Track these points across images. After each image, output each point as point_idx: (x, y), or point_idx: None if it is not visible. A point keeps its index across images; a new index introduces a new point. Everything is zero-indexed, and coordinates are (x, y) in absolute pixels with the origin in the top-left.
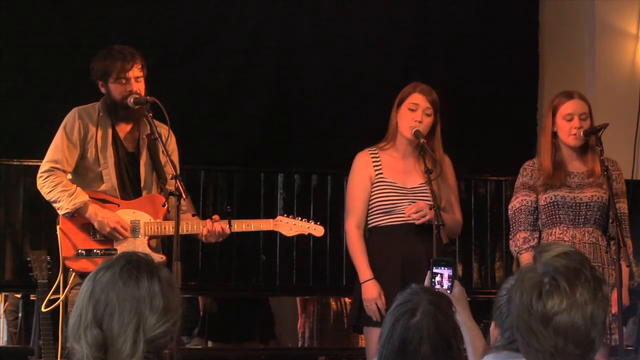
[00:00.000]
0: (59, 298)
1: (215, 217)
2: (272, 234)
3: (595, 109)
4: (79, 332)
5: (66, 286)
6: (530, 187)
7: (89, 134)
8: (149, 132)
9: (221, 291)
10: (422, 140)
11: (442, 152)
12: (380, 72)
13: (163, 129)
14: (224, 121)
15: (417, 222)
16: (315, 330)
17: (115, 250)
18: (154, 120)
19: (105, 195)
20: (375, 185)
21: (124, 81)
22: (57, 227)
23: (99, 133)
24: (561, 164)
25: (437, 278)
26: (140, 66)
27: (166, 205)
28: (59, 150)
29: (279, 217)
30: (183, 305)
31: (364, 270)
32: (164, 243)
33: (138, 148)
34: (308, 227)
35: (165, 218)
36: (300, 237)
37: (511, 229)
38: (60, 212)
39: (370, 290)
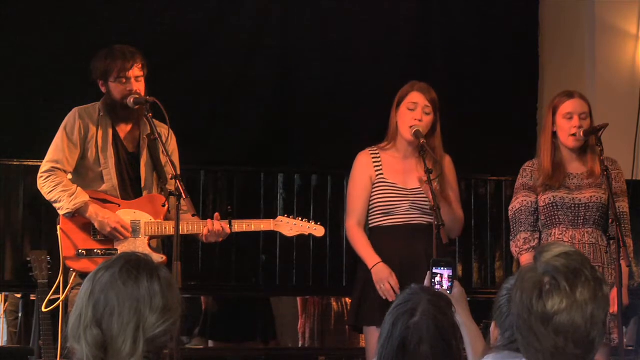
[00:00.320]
0: (59, 298)
1: (217, 215)
2: (272, 234)
3: (595, 109)
4: (78, 332)
5: (66, 286)
6: (530, 188)
7: (90, 133)
8: (149, 132)
9: (221, 291)
10: (422, 141)
11: (442, 150)
12: (380, 73)
13: (163, 129)
14: (224, 121)
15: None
16: (315, 330)
17: (116, 250)
18: (154, 120)
19: (105, 196)
20: (375, 185)
21: (124, 80)
22: (58, 227)
23: (100, 133)
24: (560, 164)
25: (437, 278)
26: (140, 66)
27: (166, 206)
28: (59, 150)
29: (279, 217)
30: (183, 304)
31: (370, 256)
32: (164, 243)
33: (138, 148)
34: (309, 228)
35: (166, 218)
36: (300, 237)
37: (512, 230)
38: (60, 212)
39: (381, 272)
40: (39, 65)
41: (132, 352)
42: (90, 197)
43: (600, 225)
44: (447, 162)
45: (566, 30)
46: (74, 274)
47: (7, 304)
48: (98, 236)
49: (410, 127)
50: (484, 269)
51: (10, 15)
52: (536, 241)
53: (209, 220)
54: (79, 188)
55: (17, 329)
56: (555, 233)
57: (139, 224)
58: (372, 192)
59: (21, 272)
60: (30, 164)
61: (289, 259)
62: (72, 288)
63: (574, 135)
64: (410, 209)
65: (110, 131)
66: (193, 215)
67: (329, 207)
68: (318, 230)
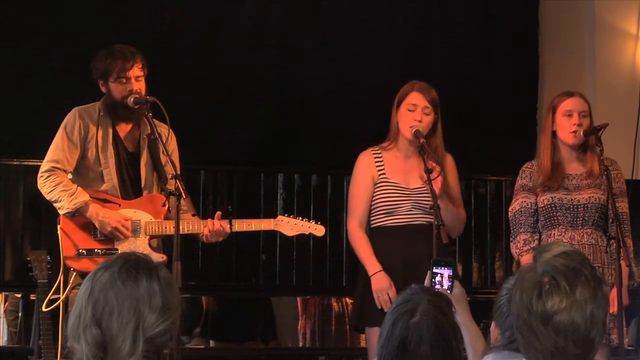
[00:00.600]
0: (59, 298)
1: (218, 214)
2: (272, 234)
3: (595, 109)
4: (78, 332)
5: (67, 286)
6: (529, 189)
7: (90, 133)
8: (149, 131)
9: (221, 291)
10: (422, 140)
11: (443, 149)
12: (380, 73)
13: (163, 129)
14: (224, 121)
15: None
16: (315, 330)
17: (116, 249)
18: (154, 120)
19: (106, 195)
20: (377, 185)
21: (124, 80)
22: (58, 226)
23: (100, 133)
24: (560, 164)
25: (437, 278)
26: (140, 65)
27: (166, 205)
28: (59, 150)
29: (279, 217)
30: (182, 304)
31: (371, 262)
32: (164, 243)
33: (138, 148)
34: (309, 227)
35: (166, 218)
36: (300, 237)
37: (511, 232)
38: (61, 212)
39: (381, 281)
40: (39, 65)
41: (132, 352)
42: (91, 197)
43: (599, 226)
44: (449, 161)
45: (566, 30)
46: (74, 273)
47: (7, 303)
48: (98, 235)
49: (410, 127)
50: (484, 268)
51: (10, 15)
52: (536, 242)
53: (209, 219)
54: (79, 188)
55: (17, 329)
56: (554, 234)
57: (139, 224)
58: (375, 192)
59: (21, 272)
60: (30, 163)
61: (289, 258)
62: (73, 288)
63: (574, 132)
64: (412, 209)
65: (110, 131)
66: (193, 215)
67: (329, 207)
68: (318, 230)
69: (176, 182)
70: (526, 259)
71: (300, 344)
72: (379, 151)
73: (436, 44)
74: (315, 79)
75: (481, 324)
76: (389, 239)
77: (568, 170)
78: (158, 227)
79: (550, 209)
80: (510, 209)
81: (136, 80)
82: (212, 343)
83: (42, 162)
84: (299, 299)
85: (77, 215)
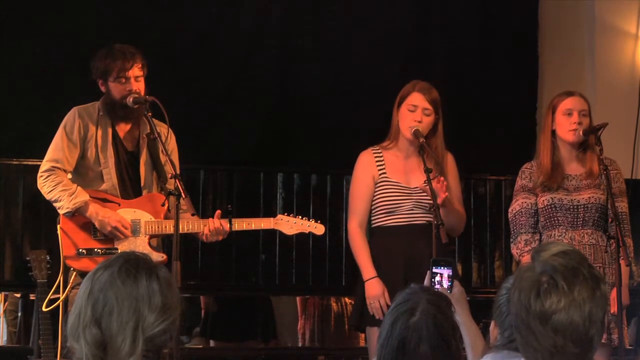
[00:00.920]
0: (59, 297)
1: (218, 212)
2: (271, 234)
3: (595, 108)
4: (78, 331)
5: (67, 286)
6: (529, 190)
7: (89, 133)
8: (148, 131)
9: (221, 291)
10: (421, 140)
11: (444, 150)
12: (380, 73)
13: (163, 128)
14: (224, 121)
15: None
16: (315, 329)
17: (116, 249)
18: (154, 119)
19: (105, 195)
20: (378, 184)
21: (123, 80)
22: (58, 226)
23: (99, 132)
24: (559, 164)
25: (437, 278)
26: (140, 65)
27: (166, 205)
28: (59, 149)
29: (279, 216)
30: (182, 304)
31: (367, 268)
32: (164, 242)
33: (138, 147)
34: (308, 226)
35: (166, 217)
36: (299, 236)
37: (512, 232)
38: (60, 212)
39: (374, 288)
40: (39, 65)
41: (131, 351)
42: (91, 197)
43: (599, 226)
44: (449, 161)
45: (566, 30)
46: (74, 273)
47: (6, 303)
48: (98, 235)
49: (410, 127)
50: (484, 268)
51: (10, 15)
52: (537, 242)
53: (209, 219)
54: (78, 187)
55: (16, 329)
56: (554, 235)
57: (139, 223)
58: (375, 192)
59: (21, 271)
60: (30, 163)
61: (289, 258)
62: (72, 287)
63: (573, 130)
64: (413, 208)
65: (110, 130)
66: (192, 215)
67: (329, 207)
68: (318, 229)
69: (175, 181)
70: (527, 259)
71: (300, 344)
72: (379, 151)
73: (436, 44)
74: (315, 79)
75: (481, 323)
76: (390, 239)
77: (568, 171)
78: (158, 227)
79: (550, 210)
80: (510, 210)
81: (135, 80)
82: (211, 343)
83: (42, 161)
84: (298, 298)
85: (77, 215)
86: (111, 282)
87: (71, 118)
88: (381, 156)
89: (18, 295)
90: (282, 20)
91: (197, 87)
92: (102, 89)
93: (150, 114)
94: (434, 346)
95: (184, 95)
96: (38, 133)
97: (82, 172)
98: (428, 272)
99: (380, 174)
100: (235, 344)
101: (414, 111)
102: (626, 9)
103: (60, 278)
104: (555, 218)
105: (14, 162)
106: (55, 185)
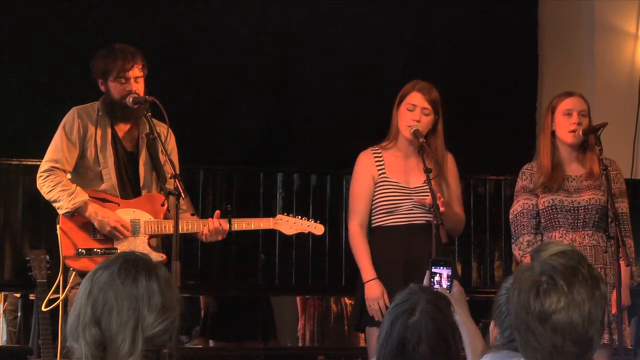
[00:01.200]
0: (59, 297)
1: (217, 212)
2: (271, 234)
3: (595, 108)
4: (77, 331)
5: (66, 286)
6: (530, 191)
7: (89, 133)
8: (148, 131)
9: (221, 290)
10: (421, 140)
11: (444, 150)
12: (380, 72)
13: (162, 128)
14: (224, 121)
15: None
16: (314, 329)
17: (116, 249)
18: (154, 119)
19: (105, 195)
20: (378, 184)
21: (123, 80)
22: (57, 226)
23: (99, 132)
24: (559, 165)
25: (436, 278)
26: (140, 66)
27: (165, 205)
28: (58, 149)
29: (279, 216)
30: (182, 304)
31: (367, 269)
32: (163, 242)
33: (137, 147)
34: (308, 226)
35: (165, 217)
36: (299, 236)
37: (513, 233)
38: (60, 212)
39: (374, 290)
40: (39, 65)
41: (131, 351)
42: (90, 197)
43: (600, 227)
44: (449, 161)
45: (566, 30)
46: (74, 273)
47: (6, 303)
48: (98, 235)
49: (409, 126)
50: (483, 268)
51: (10, 15)
52: (539, 243)
53: (209, 219)
54: (78, 187)
55: (16, 329)
56: (555, 236)
57: (139, 223)
58: (375, 192)
59: (20, 271)
60: (29, 163)
61: (289, 258)
62: (72, 287)
63: (573, 131)
64: (413, 208)
65: (109, 130)
66: (192, 215)
67: (328, 207)
68: (317, 229)
69: (175, 181)
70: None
71: (300, 344)
72: (379, 150)
73: (436, 44)
74: (315, 79)
75: (480, 323)
76: (389, 238)
77: (568, 172)
78: (157, 227)
79: (550, 211)
80: (511, 211)
81: (135, 80)
82: (211, 343)
83: (41, 162)
84: (298, 298)
85: (77, 215)
86: (111, 282)
87: (70, 118)
88: (381, 156)
89: (18, 295)
90: (282, 19)
91: (197, 87)
92: (102, 88)
93: (149, 114)
94: (433, 346)
95: (183, 95)
96: (38, 133)
97: (82, 172)
98: (427, 272)
99: (379, 174)
100: (235, 344)
101: (413, 110)
102: (626, 9)
103: (59, 278)
104: (556, 219)
105: (14, 162)
106: (55, 186)
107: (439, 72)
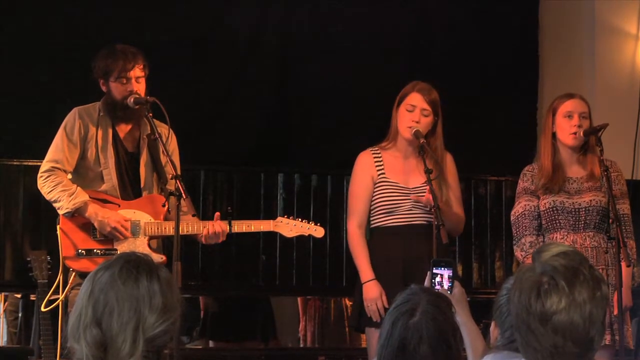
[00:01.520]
0: (58, 298)
1: (217, 214)
2: (272, 234)
3: (595, 109)
4: (78, 332)
5: (66, 286)
6: (532, 192)
7: (89, 133)
8: (149, 132)
9: (221, 291)
10: (422, 141)
11: (443, 151)
12: (380, 72)
13: (163, 129)
14: (224, 121)
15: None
16: (315, 330)
17: (116, 250)
18: (155, 120)
19: (105, 195)
20: (377, 185)
21: (124, 81)
22: (58, 227)
23: (100, 133)
24: (560, 166)
25: (437, 278)
26: (142, 66)
27: (166, 206)
28: (59, 150)
29: (279, 218)
30: (182, 304)
31: (365, 270)
32: (164, 243)
33: (138, 148)
34: (308, 228)
35: (166, 218)
36: (300, 237)
37: (515, 235)
38: (60, 212)
39: (372, 291)
40: (39, 65)
41: (132, 352)
42: (90, 197)
43: (601, 229)
44: (449, 161)
45: (566, 30)
46: (74, 273)
47: (7, 303)
48: (98, 236)
49: (409, 127)
50: (484, 268)
51: (10, 14)
52: (541, 244)
53: (209, 222)
54: (78, 188)
55: (17, 329)
56: (556, 237)
57: (139, 224)
58: (374, 192)
59: (21, 272)
60: (30, 164)
61: (289, 259)
62: (72, 288)
63: (574, 133)
64: (412, 208)
65: (110, 131)
66: (193, 216)
67: (329, 208)
68: (318, 231)
69: (176, 182)
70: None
71: (300, 344)
72: (378, 151)
73: (436, 44)
74: (315, 79)
75: (481, 324)
76: (389, 239)
77: (569, 174)
78: (157, 228)
79: (552, 213)
80: (513, 212)
81: (136, 81)
82: (212, 343)
83: (42, 162)
84: (299, 299)
85: (77, 216)
86: (112, 283)
87: (71, 118)
88: (380, 157)
89: (18, 295)
90: (282, 20)
91: (197, 88)
92: (103, 89)
93: (151, 114)
94: (434, 347)
95: (184, 95)
96: (38, 133)
97: (82, 173)
98: (428, 272)
99: (379, 175)
100: (235, 345)
101: (412, 111)
102: (626, 9)
103: (59, 278)
104: (557, 221)
105: (14, 162)
106: (55, 186)
107: (439, 72)
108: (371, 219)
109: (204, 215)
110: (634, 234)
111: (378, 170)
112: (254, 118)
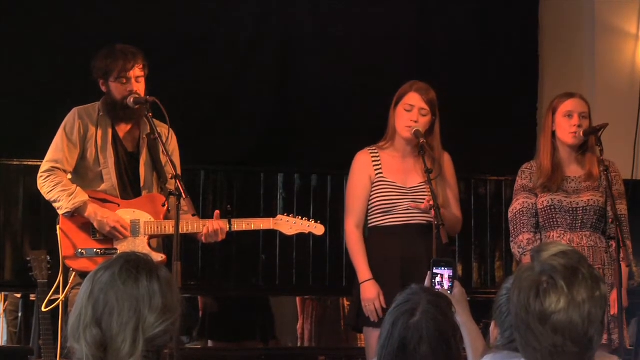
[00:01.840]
0: (59, 298)
1: (217, 213)
2: (271, 234)
3: (595, 109)
4: (78, 332)
5: (66, 286)
6: (530, 190)
7: (89, 133)
8: (148, 131)
9: (221, 291)
10: (422, 140)
11: (441, 150)
12: (380, 72)
13: (163, 129)
14: (224, 121)
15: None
16: (315, 330)
17: (116, 249)
18: (155, 120)
19: (105, 195)
20: (375, 184)
21: (124, 81)
22: (58, 227)
23: (99, 133)
24: (559, 166)
25: (438, 279)
26: (141, 66)
27: (166, 205)
28: (59, 150)
29: (279, 216)
30: (182, 304)
31: (363, 270)
32: (164, 243)
33: (138, 148)
34: (308, 226)
35: (166, 218)
36: (300, 237)
37: (512, 232)
38: (60, 212)
39: (369, 291)
40: (39, 65)
41: (132, 352)
42: (90, 197)
43: (598, 228)
44: (446, 160)
45: (566, 30)
46: (74, 273)
47: (7, 303)
48: (98, 235)
49: (407, 127)
50: (484, 268)
51: (10, 14)
52: (539, 242)
53: (209, 220)
54: (78, 188)
55: (17, 329)
56: (553, 235)
57: (139, 224)
58: (372, 192)
59: (21, 272)
60: (30, 164)
61: (289, 258)
62: (72, 288)
63: (573, 133)
64: (409, 208)
65: (110, 131)
66: (193, 216)
67: (329, 207)
68: (318, 229)
69: (176, 182)
70: (529, 259)
71: (300, 344)
72: (376, 151)
73: (436, 44)
74: (315, 79)
75: (481, 324)
76: (386, 238)
77: (567, 173)
78: (157, 227)
79: (549, 211)
80: (510, 209)
81: (136, 80)
82: (211, 343)
83: (42, 162)
84: (298, 299)
85: (76, 215)
86: (112, 283)
87: (71, 119)
88: (378, 156)
89: (18, 295)
90: (282, 20)
91: (197, 87)
92: (103, 89)
93: (151, 114)
94: (434, 347)
95: (184, 95)
96: (38, 133)
97: (82, 173)
98: (429, 272)
99: (376, 174)
100: (235, 345)
101: (411, 111)
102: (626, 9)
103: (60, 278)
104: (554, 219)
105: (14, 162)
106: (55, 186)
107: (439, 72)
108: (369, 218)
109: (204, 215)
110: (631, 234)
111: (376, 169)
112: (254, 118)
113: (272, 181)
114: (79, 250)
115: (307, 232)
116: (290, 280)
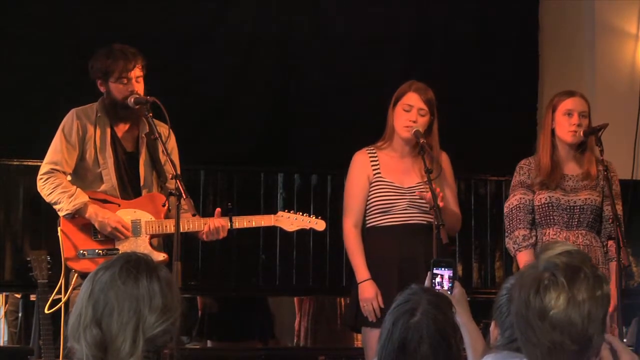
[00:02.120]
0: (61, 299)
1: (218, 210)
2: (271, 234)
3: (595, 109)
4: (78, 332)
5: (68, 287)
6: (527, 186)
7: (88, 134)
8: (147, 131)
9: (221, 291)
10: (422, 141)
11: (439, 150)
12: (380, 72)
13: (163, 128)
14: (224, 121)
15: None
16: (314, 330)
17: (117, 250)
18: (154, 119)
19: (105, 196)
20: (373, 184)
21: (125, 81)
22: (58, 228)
23: (98, 133)
24: (558, 164)
25: (438, 279)
26: (141, 66)
27: (166, 205)
28: (58, 151)
29: (280, 213)
30: (182, 304)
31: (361, 270)
32: (165, 242)
33: (137, 147)
34: (309, 222)
35: (167, 217)
36: (300, 237)
37: (508, 227)
38: (60, 214)
39: (367, 291)
40: (39, 65)
41: (132, 352)
42: (90, 198)
43: (593, 227)
44: (444, 159)
45: (566, 30)
46: (76, 274)
47: (7, 304)
48: (99, 236)
49: (408, 127)
50: (484, 269)
51: (10, 14)
52: (534, 239)
53: (209, 218)
54: (78, 189)
55: (17, 329)
56: (549, 233)
57: (140, 223)
58: (370, 191)
59: (21, 272)
60: (30, 164)
61: (289, 258)
62: (74, 289)
63: (573, 132)
64: (408, 208)
65: (109, 131)
66: (193, 215)
67: (329, 207)
68: (319, 224)
69: (176, 182)
70: (524, 254)
71: (300, 344)
72: (374, 151)
73: (436, 44)
74: (316, 79)
75: (481, 324)
76: (385, 238)
77: (565, 171)
78: (158, 226)
79: (546, 208)
80: (507, 205)
81: (136, 81)
82: (211, 343)
83: (41, 162)
84: (297, 298)
85: (77, 217)
86: (112, 283)
87: (69, 120)
88: (376, 156)
89: (18, 295)
90: (282, 19)
91: (197, 87)
92: (102, 89)
93: (151, 114)
94: (434, 347)
95: (184, 95)
96: (38, 133)
97: (82, 174)
98: (429, 273)
99: (374, 174)
100: (235, 344)
101: (409, 111)
102: (626, 9)
103: (61, 280)
104: (551, 217)
105: (14, 163)
106: (55, 188)
107: (439, 72)
108: (366, 218)
109: (204, 215)
110: (630, 234)
111: (374, 169)
112: (254, 118)
113: (272, 181)
114: (81, 252)
115: (308, 227)
116: (290, 280)
